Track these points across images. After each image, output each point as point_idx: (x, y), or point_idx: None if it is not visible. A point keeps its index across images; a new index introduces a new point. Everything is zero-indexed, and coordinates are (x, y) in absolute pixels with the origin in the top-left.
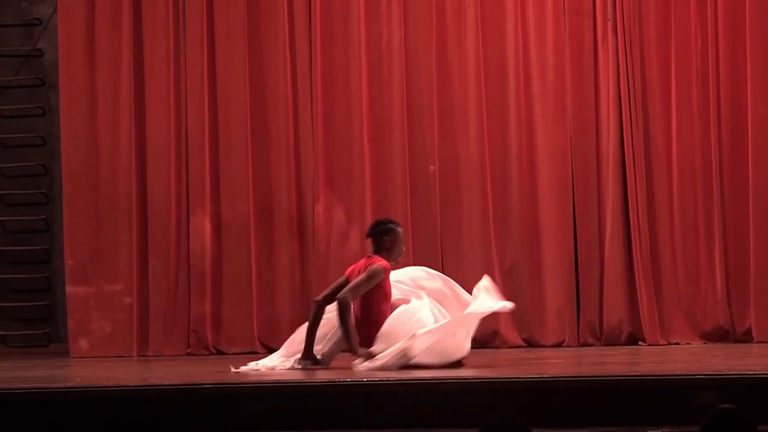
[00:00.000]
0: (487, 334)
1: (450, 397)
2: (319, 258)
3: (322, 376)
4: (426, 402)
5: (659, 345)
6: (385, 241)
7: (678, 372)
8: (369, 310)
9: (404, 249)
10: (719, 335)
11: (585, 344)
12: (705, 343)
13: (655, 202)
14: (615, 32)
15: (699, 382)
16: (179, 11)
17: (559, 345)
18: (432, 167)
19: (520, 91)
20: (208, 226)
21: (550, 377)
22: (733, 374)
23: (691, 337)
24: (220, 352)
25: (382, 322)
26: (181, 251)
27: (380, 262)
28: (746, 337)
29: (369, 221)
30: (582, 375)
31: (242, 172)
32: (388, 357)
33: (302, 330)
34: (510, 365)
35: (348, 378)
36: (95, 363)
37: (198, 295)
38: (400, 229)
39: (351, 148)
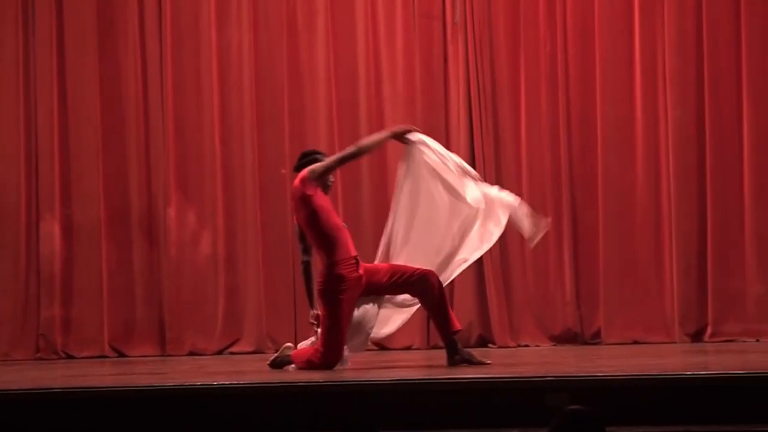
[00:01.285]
0: None
1: (302, 401)
2: (170, 261)
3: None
4: (282, 406)
5: (509, 347)
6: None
7: (527, 374)
8: (320, 233)
9: (332, 180)
10: (568, 337)
11: (434, 347)
12: (554, 345)
13: None
14: (465, 35)
15: (548, 384)
16: (28, 14)
17: (409, 348)
18: (283, 170)
19: (371, 93)
20: (57, 229)
21: (399, 380)
22: (582, 376)
23: (541, 339)
24: (69, 356)
25: (338, 236)
26: (30, 255)
27: (301, 177)
28: (595, 339)
29: (221, 224)
30: (431, 378)
31: (93, 176)
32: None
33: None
34: (360, 369)
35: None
36: None
37: (47, 299)
38: (323, 157)
39: (202, 152)
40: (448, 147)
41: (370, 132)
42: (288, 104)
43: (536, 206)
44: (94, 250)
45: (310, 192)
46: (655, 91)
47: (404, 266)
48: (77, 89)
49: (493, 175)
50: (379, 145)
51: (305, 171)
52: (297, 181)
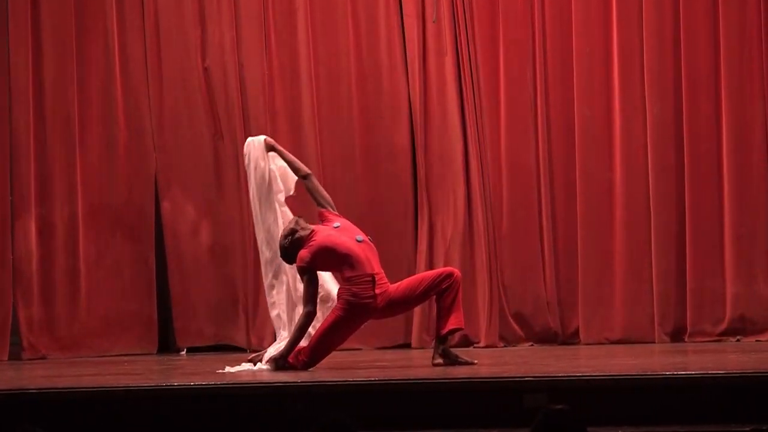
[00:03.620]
0: None
1: (279, 401)
2: (170, 251)
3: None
4: (258, 406)
5: (488, 347)
6: (294, 251)
7: (506, 374)
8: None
9: (297, 218)
10: (547, 337)
11: (420, 347)
12: (533, 345)
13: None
14: (446, 33)
15: (528, 384)
16: (1, 8)
17: (405, 346)
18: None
19: (353, 88)
20: (33, 228)
21: (378, 381)
22: (561, 376)
23: (520, 339)
24: (47, 357)
25: (350, 256)
26: (5, 254)
27: (299, 258)
28: (574, 339)
29: (213, 221)
30: (410, 378)
31: (70, 172)
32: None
33: None
34: (338, 368)
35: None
36: None
37: (25, 300)
38: (287, 243)
39: (194, 147)
40: (441, 142)
41: (352, 130)
42: (272, 101)
43: (516, 204)
44: (72, 248)
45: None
46: (633, 88)
47: (426, 273)
48: (54, 85)
49: (489, 172)
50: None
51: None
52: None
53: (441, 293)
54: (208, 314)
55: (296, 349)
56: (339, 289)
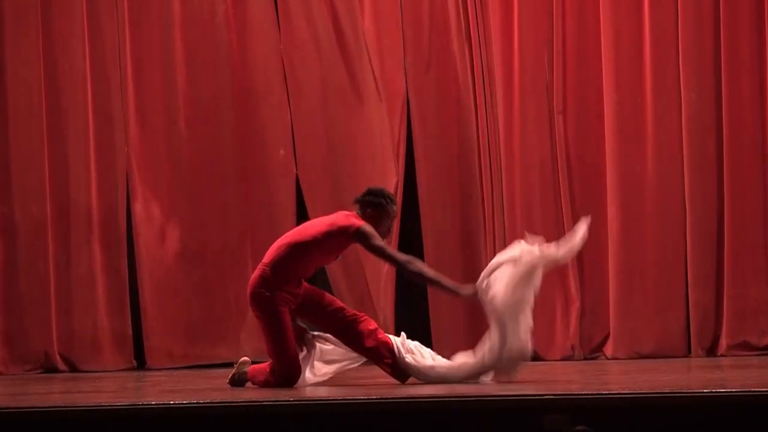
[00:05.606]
0: None
1: (271, 421)
2: (140, 258)
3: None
4: (240, 428)
5: None
6: (368, 213)
7: (525, 392)
8: (293, 259)
9: (391, 229)
10: (570, 351)
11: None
12: (555, 360)
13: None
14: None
15: (548, 404)
16: None
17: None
18: (282, 151)
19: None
20: None
21: (379, 399)
22: (586, 394)
23: (541, 354)
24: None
25: (293, 276)
26: None
27: (350, 228)
28: (600, 353)
29: (188, 219)
30: (414, 396)
31: (37, 170)
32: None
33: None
34: (334, 385)
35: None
36: None
37: None
38: (391, 208)
39: (172, 138)
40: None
41: (361, 109)
42: (268, 81)
43: (530, 205)
44: (38, 253)
45: (336, 242)
46: (667, 70)
47: (338, 302)
48: (16, 69)
49: (499, 165)
50: (430, 284)
51: (357, 228)
52: (344, 221)
53: (370, 350)
54: (182, 331)
55: (262, 370)
56: (269, 281)
